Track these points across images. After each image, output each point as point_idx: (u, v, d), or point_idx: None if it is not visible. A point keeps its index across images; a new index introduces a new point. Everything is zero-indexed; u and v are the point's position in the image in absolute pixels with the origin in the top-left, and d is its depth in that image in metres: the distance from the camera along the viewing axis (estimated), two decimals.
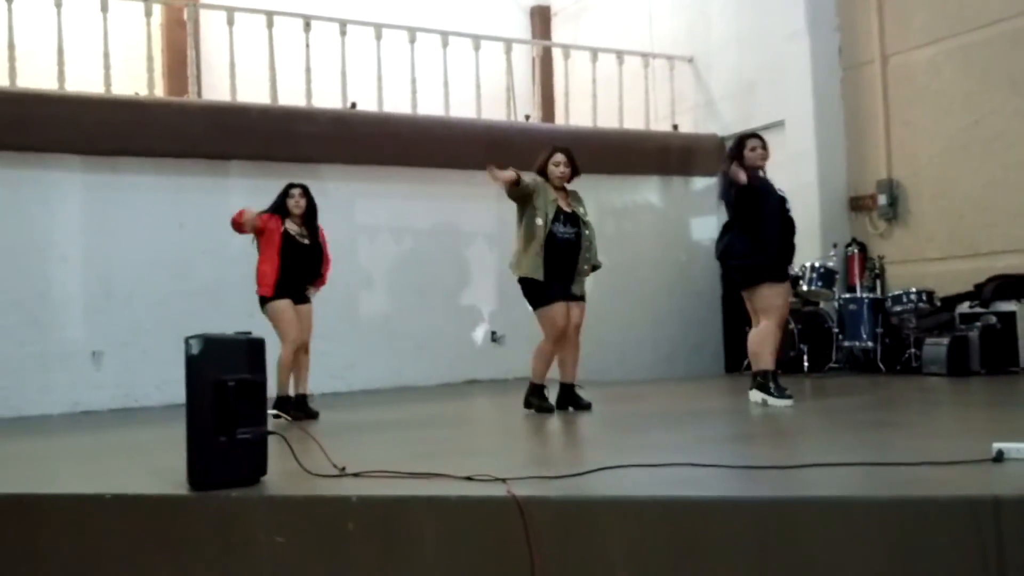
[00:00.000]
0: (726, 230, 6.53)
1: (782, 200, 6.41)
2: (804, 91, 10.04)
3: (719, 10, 11.34)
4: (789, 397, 6.15)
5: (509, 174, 6.13)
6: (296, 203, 6.77)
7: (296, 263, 6.69)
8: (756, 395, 6.23)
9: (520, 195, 6.23)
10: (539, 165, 6.43)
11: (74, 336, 8.37)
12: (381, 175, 9.63)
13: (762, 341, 6.25)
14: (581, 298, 6.41)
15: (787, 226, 6.38)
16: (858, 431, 4.98)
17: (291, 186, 6.86)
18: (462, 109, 10.35)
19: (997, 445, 3.50)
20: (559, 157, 6.38)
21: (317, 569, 3.30)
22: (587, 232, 6.39)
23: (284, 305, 6.60)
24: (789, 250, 6.43)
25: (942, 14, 9.09)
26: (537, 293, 6.24)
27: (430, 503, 3.27)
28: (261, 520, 3.40)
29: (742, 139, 6.56)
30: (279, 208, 6.77)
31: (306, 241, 6.80)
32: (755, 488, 3.32)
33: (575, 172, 6.46)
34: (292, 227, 6.74)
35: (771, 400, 6.11)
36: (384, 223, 9.78)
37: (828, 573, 2.96)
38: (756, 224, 6.26)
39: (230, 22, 9.36)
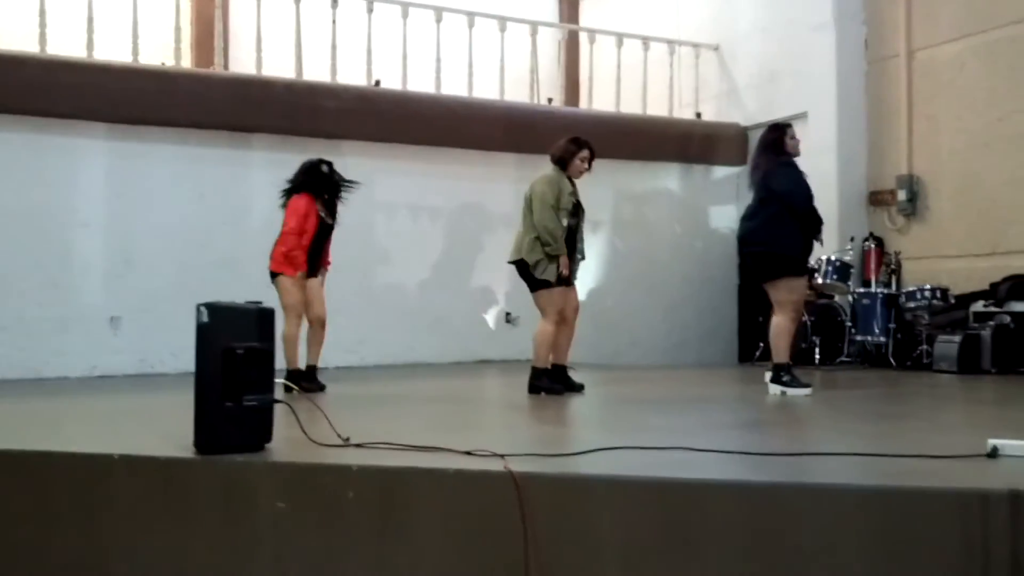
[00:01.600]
0: (753, 214, 6.48)
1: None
2: (828, 83, 10.00)
3: None
4: (807, 386, 6.22)
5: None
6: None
7: (320, 243, 6.79)
8: (774, 388, 6.26)
9: None
10: (563, 154, 6.48)
11: (93, 301, 8.50)
12: (402, 153, 9.69)
13: (778, 335, 6.29)
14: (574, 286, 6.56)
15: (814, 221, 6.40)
16: (861, 423, 5.01)
17: (330, 163, 6.86)
18: (485, 90, 10.38)
19: (992, 441, 3.53)
20: (586, 154, 6.47)
21: (316, 534, 3.38)
22: (583, 221, 6.57)
23: (297, 282, 6.63)
24: (811, 245, 6.44)
25: (970, 10, 9.03)
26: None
27: (428, 474, 3.34)
28: (264, 485, 3.48)
29: (784, 127, 6.59)
30: (316, 184, 6.74)
31: (330, 221, 6.86)
32: (747, 473, 3.37)
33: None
34: (321, 208, 6.75)
35: (789, 391, 6.14)
36: (403, 200, 9.84)
37: (815, 557, 3.01)
38: (789, 215, 6.26)
39: None
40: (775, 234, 6.28)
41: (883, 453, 3.61)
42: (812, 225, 6.35)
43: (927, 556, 2.95)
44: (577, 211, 6.49)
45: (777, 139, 6.50)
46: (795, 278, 6.32)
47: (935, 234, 9.36)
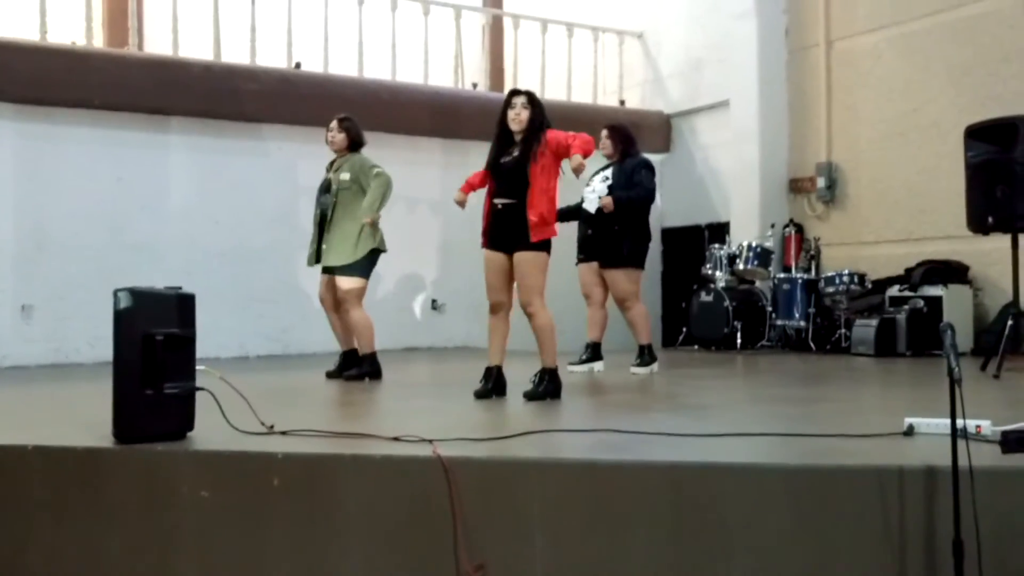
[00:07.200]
0: None
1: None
2: (750, 72, 10.15)
3: None
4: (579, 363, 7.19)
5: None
6: (516, 116, 5.04)
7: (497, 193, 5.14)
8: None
9: None
10: None
11: (3, 288, 8.19)
12: (324, 137, 9.51)
13: None
14: (337, 270, 6.44)
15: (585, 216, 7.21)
16: (782, 405, 5.10)
17: (512, 94, 5.13)
18: (409, 74, 10.28)
19: (909, 420, 3.63)
20: (331, 124, 6.65)
21: (242, 523, 3.32)
22: (334, 200, 6.43)
23: (485, 257, 5.28)
24: (584, 239, 7.41)
25: (887, 2, 9.25)
26: None
27: (355, 461, 3.30)
28: (186, 474, 3.40)
29: None
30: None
31: (508, 158, 5.09)
32: (673, 454, 3.39)
33: (352, 141, 6.67)
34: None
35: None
36: None
37: (738, 533, 3.06)
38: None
39: None
40: None
41: (805, 433, 3.69)
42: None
43: (848, 530, 3.02)
44: (327, 191, 6.55)
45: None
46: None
47: (853, 221, 9.59)
